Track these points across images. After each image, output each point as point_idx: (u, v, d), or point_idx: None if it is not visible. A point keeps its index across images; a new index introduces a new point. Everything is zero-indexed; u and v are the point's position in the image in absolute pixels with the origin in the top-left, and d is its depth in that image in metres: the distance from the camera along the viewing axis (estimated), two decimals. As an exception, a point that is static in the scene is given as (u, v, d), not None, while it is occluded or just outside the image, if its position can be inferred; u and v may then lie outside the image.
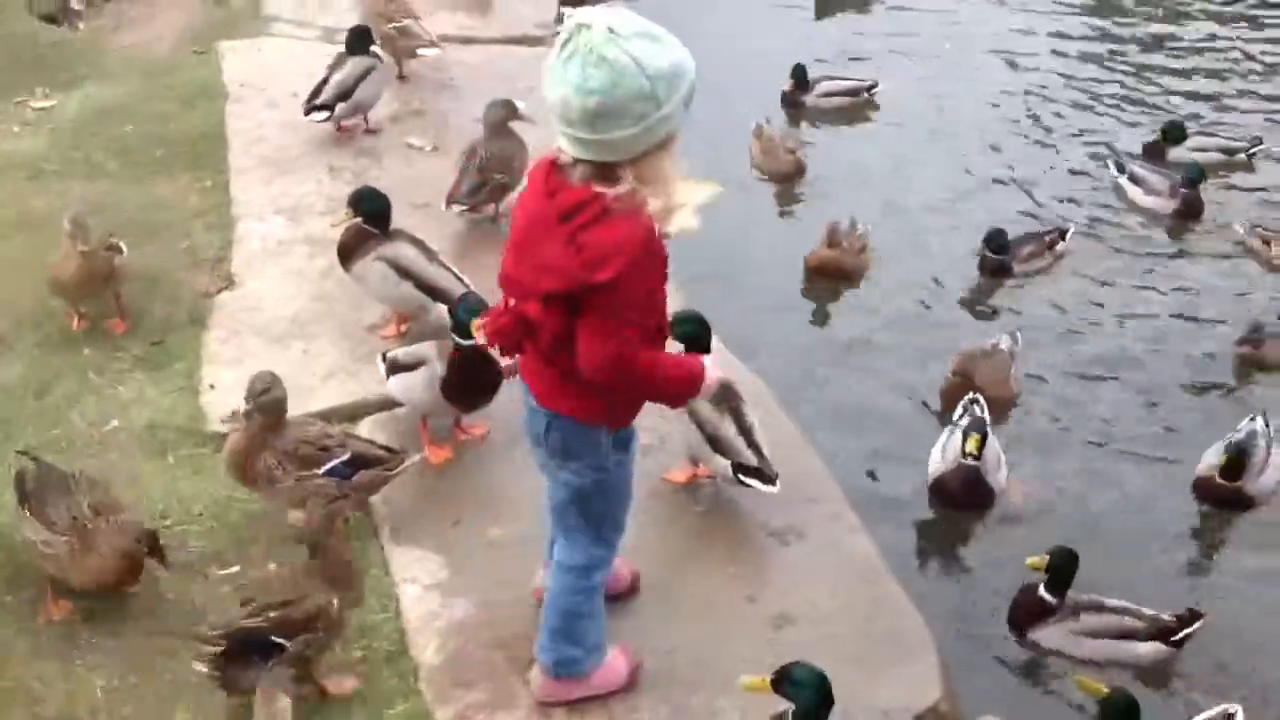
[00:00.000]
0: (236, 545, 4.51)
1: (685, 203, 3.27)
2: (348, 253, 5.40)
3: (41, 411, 5.11)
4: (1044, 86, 9.90)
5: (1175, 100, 9.83)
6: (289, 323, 5.59)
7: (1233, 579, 5.71)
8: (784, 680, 3.65)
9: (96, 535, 4.06)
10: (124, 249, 5.57)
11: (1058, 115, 9.51)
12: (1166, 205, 8.28)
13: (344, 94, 6.90)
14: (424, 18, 7.81)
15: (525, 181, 3.38)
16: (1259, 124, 9.47)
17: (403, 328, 5.48)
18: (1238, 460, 5.95)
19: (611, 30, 2.94)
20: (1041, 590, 5.21)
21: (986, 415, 6.12)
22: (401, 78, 7.62)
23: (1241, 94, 9.98)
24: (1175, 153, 8.82)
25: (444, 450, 4.86)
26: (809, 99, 9.29)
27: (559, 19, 8.09)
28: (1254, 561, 5.80)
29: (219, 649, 3.73)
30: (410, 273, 5.31)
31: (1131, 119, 9.49)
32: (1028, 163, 8.85)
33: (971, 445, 5.78)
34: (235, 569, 4.41)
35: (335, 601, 3.82)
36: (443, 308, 5.16)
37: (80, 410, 5.12)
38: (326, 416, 5.00)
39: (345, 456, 4.37)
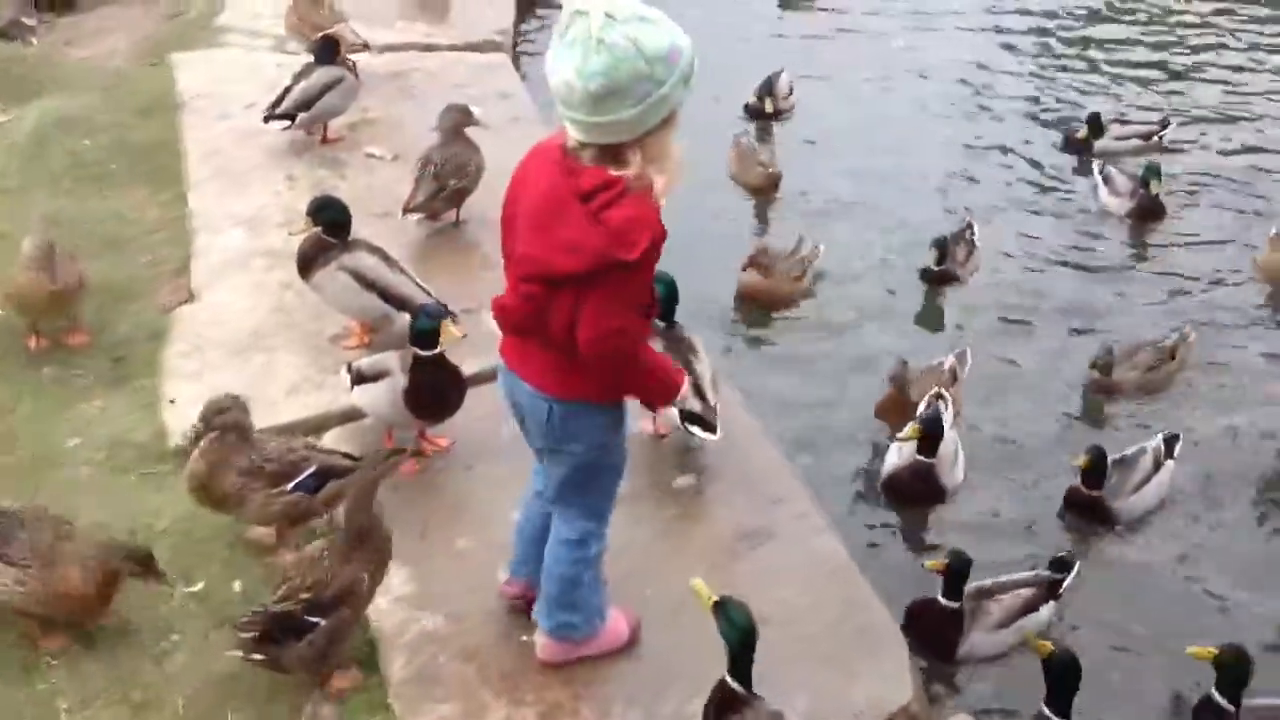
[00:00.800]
0: (202, 562, 4.46)
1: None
2: (307, 263, 5.36)
3: (3, 432, 5.05)
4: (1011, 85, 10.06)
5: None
6: (250, 335, 5.55)
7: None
8: (721, 609, 3.69)
9: (61, 558, 4.00)
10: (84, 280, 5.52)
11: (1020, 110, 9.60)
12: (1124, 205, 8.30)
13: (306, 103, 6.86)
14: (350, 20, 7.84)
15: (518, 171, 3.44)
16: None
17: (367, 338, 5.45)
18: (1097, 466, 5.81)
19: (609, 15, 3.07)
20: (940, 599, 5.14)
21: (949, 413, 6.14)
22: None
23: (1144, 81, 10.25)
24: (1101, 144, 8.92)
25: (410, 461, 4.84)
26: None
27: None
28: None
29: (255, 634, 3.82)
30: (373, 282, 5.28)
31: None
32: (1000, 168, 8.87)
33: (908, 432, 5.84)
34: (201, 585, 4.36)
35: (366, 578, 3.85)
36: (407, 317, 5.12)
37: (41, 428, 5.06)
38: (291, 430, 4.98)
39: (312, 470, 4.34)
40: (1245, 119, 9.70)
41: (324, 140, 7.08)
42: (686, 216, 7.11)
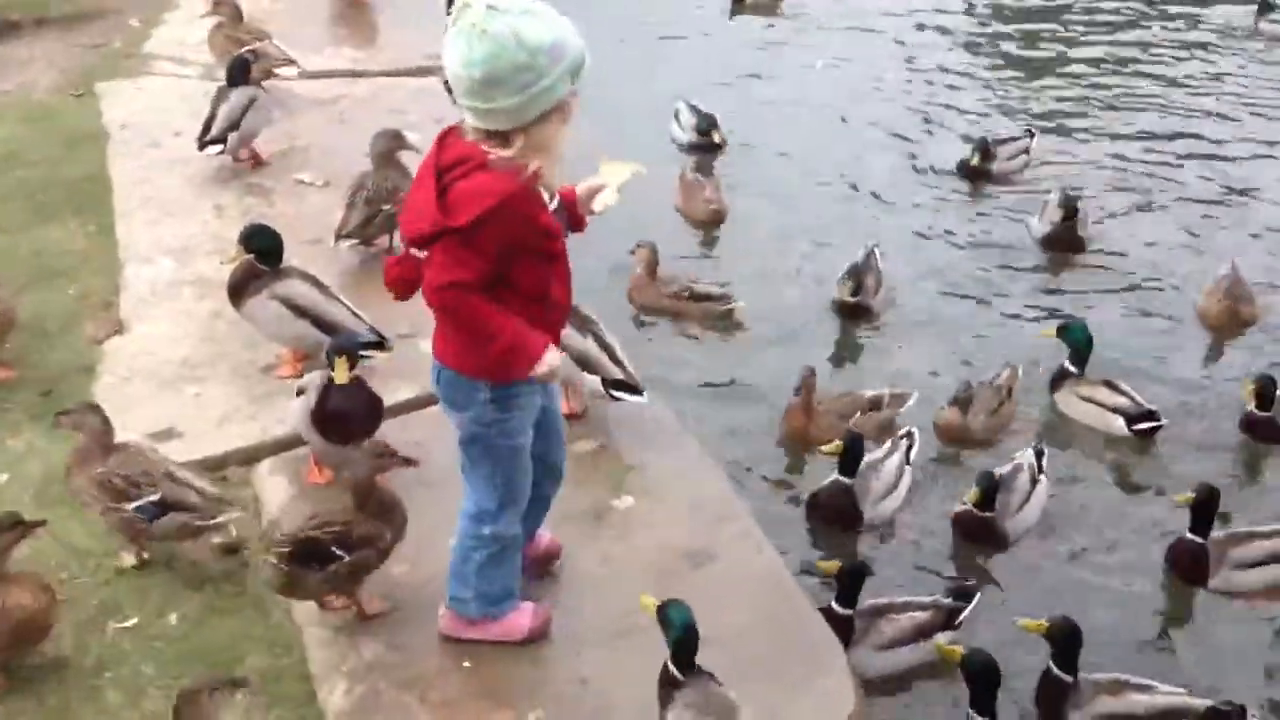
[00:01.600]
0: (135, 596, 4.39)
1: (608, 183, 3.71)
2: (238, 291, 5.30)
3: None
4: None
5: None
6: (180, 366, 5.48)
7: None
8: (662, 611, 3.94)
9: None
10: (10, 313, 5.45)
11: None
12: (1040, 230, 8.16)
13: (233, 125, 6.86)
14: (274, 37, 7.84)
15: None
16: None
17: (300, 366, 5.39)
18: (988, 490, 5.78)
19: (491, 7, 3.26)
20: (834, 605, 5.09)
21: (914, 450, 6.17)
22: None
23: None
24: (998, 165, 8.86)
25: (325, 474, 4.86)
26: None
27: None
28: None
29: (286, 551, 4.02)
30: (305, 310, 5.22)
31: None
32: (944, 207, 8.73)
33: (830, 448, 5.87)
34: (134, 621, 4.29)
35: (389, 535, 4.11)
36: (356, 333, 5.15)
37: (-32, 466, 4.97)
38: (223, 461, 4.94)
39: (154, 497, 4.34)
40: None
41: (255, 163, 7.04)
42: (628, 242, 7.29)
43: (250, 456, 4.97)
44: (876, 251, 7.68)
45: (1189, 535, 5.62)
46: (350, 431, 4.68)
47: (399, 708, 3.93)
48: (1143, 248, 8.24)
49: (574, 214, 3.75)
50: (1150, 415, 6.51)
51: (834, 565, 5.22)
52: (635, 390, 4.96)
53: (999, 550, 5.83)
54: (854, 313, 7.41)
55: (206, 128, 6.86)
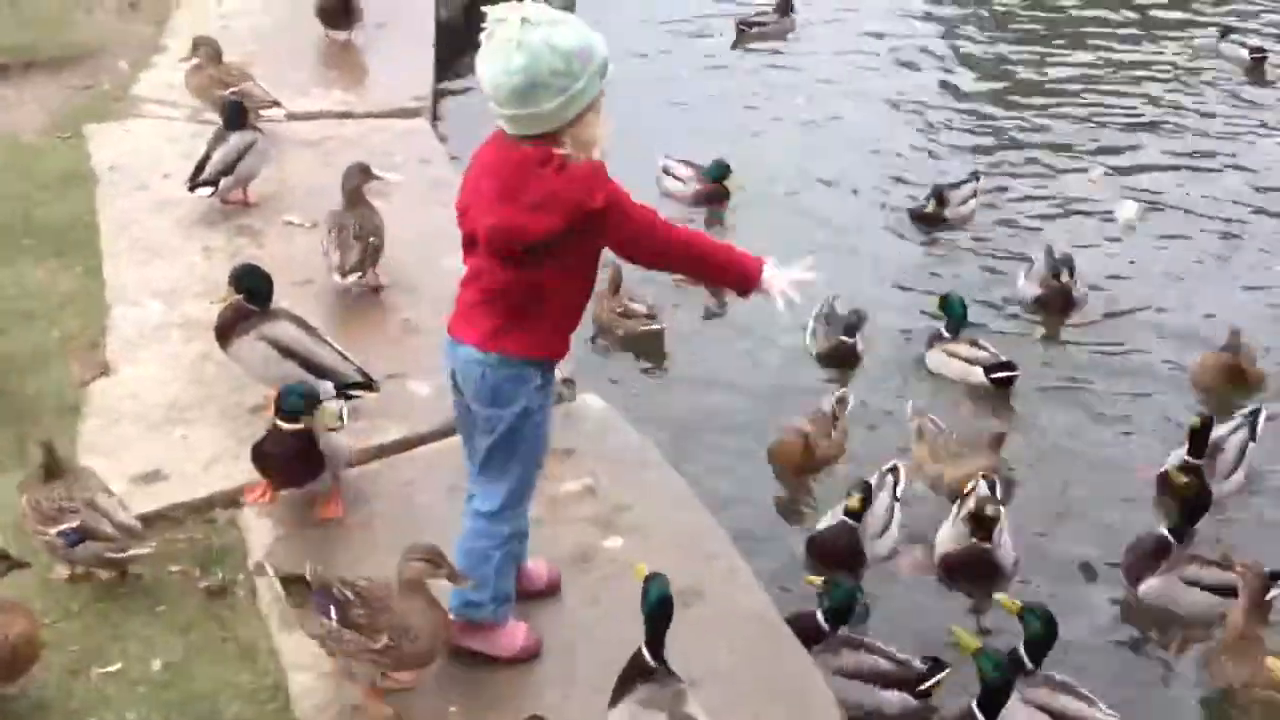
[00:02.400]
0: (118, 641, 4.36)
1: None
2: (226, 332, 5.28)
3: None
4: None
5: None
6: (167, 409, 5.45)
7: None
8: (647, 582, 3.93)
9: None
10: None
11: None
12: (1031, 291, 8.03)
13: (227, 169, 6.87)
14: (257, 78, 7.85)
15: (471, 168, 3.82)
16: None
17: None
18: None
19: (525, 20, 3.51)
20: (819, 615, 5.27)
21: (900, 484, 6.27)
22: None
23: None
24: (951, 210, 8.86)
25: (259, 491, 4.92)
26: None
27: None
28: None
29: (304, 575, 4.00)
30: (292, 351, 5.21)
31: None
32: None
33: (853, 503, 5.93)
34: (118, 666, 4.26)
35: (386, 639, 3.87)
36: (328, 385, 5.13)
37: (-50, 510, 4.93)
38: (210, 503, 4.92)
39: (74, 524, 4.42)
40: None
41: (245, 204, 7.05)
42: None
43: (237, 498, 4.95)
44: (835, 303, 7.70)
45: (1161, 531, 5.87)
46: (286, 478, 4.80)
47: (385, 753, 3.91)
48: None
49: None
50: (1006, 365, 7.19)
51: (820, 580, 5.35)
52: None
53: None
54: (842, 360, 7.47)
55: (199, 169, 6.86)
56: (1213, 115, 10.70)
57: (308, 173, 7.44)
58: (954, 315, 7.46)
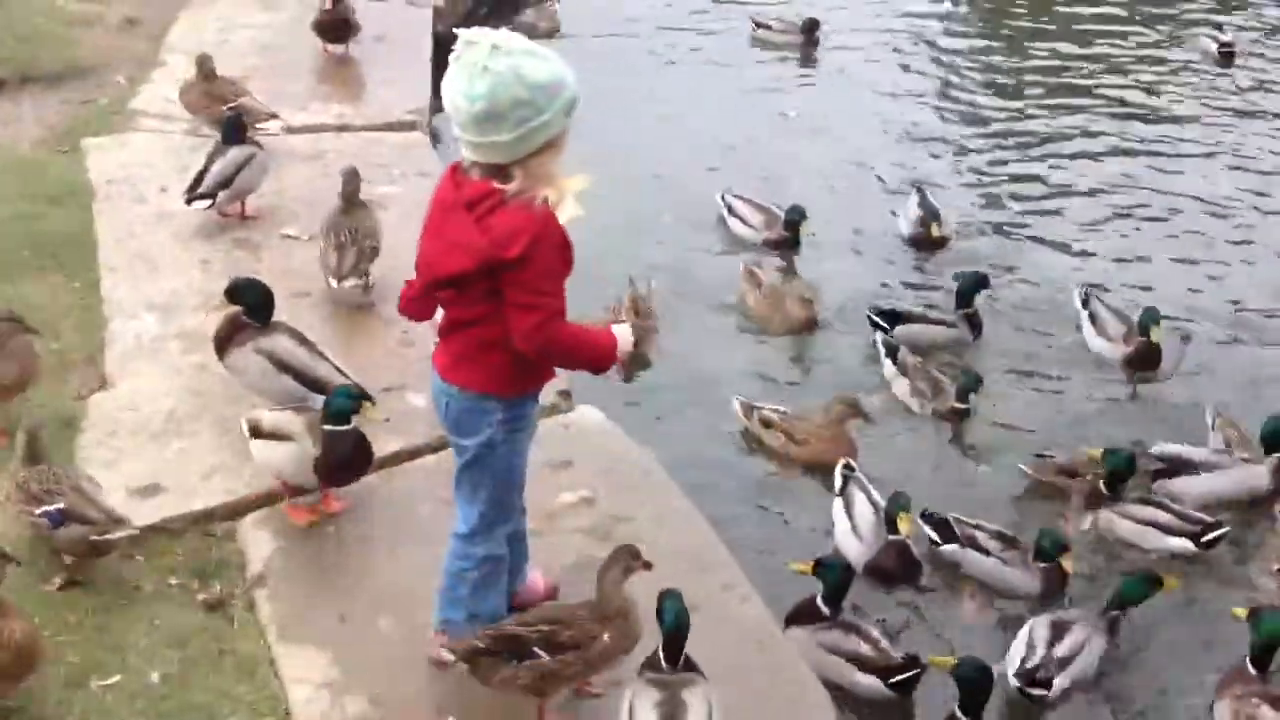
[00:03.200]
0: (117, 653, 4.36)
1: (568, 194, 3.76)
2: (223, 344, 5.29)
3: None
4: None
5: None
6: (165, 421, 5.46)
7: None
8: (662, 599, 4.06)
9: None
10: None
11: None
12: (1118, 350, 7.61)
13: (225, 182, 6.89)
14: (254, 92, 7.90)
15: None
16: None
17: None
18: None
19: (495, 46, 3.47)
20: (819, 600, 5.42)
21: (869, 484, 6.35)
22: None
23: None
24: (944, 232, 8.81)
25: (306, 513, 4.87)
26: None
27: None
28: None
29: (479, 646, 3.94)
30: (288, 365, 5.21)
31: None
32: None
33: (904, 526, 6.00)
34: (117, 678, 4.26)
35: (606, 638, 3.94)
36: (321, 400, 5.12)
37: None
38: (209, 515, 4.92)
39: (59, 505, 4.48)
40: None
41: (242, 216, 7.07)
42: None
43: (236, 511, 4.95)
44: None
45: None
46: (354, 475, 4.82)
47: (384, 764, 3.91)
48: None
49: None
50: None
51: (807, 565, 5.48)
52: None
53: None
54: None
55: (197, 182, 6.88)
56: (1181, 104, 11.28)
57: (306, 186, 7.46)
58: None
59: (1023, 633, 5.54)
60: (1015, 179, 10.08)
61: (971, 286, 7.96)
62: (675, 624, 4.00)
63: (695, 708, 3.88)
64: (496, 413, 3.83)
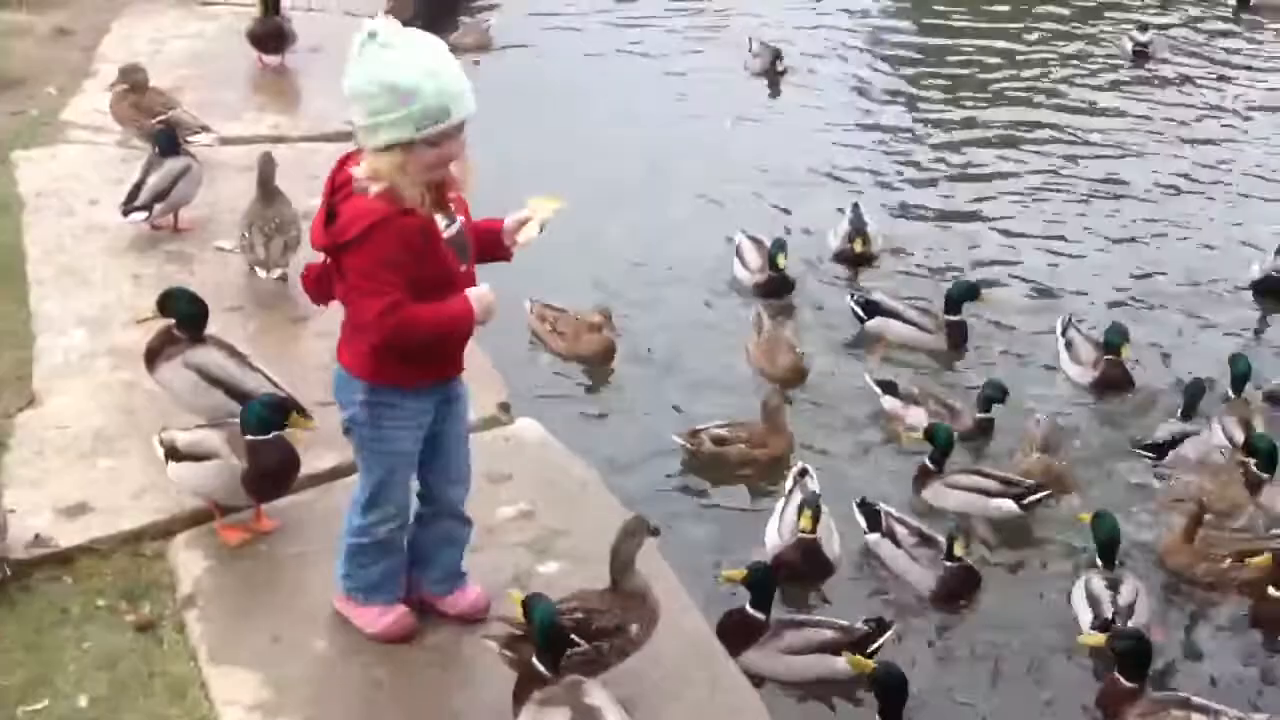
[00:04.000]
0: (45, 677, 4.26)
1: (533, 217, 3.93)
2: (153, 356, 5.22)
3: None
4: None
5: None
6: (94, 439, 5.36)
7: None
8: (527, 605, 3.95)
9: None
10: None
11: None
12: (1088, 375, 7.70)
13: (161, 194, 6.83)
14: (184, 104, 7.85)
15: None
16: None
17: None
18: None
19: (371, 35, 3.57)
20: (748, 608, 5.43)
21: (817, 488, 6.31)
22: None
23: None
24: (875, 246, 8.79)
25: (238, 531, 4.81)
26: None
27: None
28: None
29: (518, 634, 3.97)
30: (219, 380, 5.14)
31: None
32: None
33: (804, 522, 6.02)
34: (45, 703, 4.17)
35: (635, 626, 4.02)
36: None
37: None
38: (138, 535, 4.84)
39: None
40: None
41: (175, 229, 7.00)
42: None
43: (166, 530, 4.87)
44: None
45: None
46: (284, 487, 4.79)
47: (316, 788, 3.85)
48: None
49: (499, 245, 4.01)
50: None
51: (740, 573, 5.49)
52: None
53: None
54: None
55: (133, 194, 6.81)
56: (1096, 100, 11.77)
57: (240, 198, 7.31)
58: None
59: (1079, 593, 5.91)
60: (950, 178, 10.31)
61: (961, 294, 7.97)
62: (543, 630, 3.86)
63: (609, 710, 3.78)
64: (359, 393, 3.95)
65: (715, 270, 8.70)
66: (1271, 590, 5.88)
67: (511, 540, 4.83)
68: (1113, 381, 7.61)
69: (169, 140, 7.01)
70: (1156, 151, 10.83)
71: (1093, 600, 5.83)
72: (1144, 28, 12.76)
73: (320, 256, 3.94)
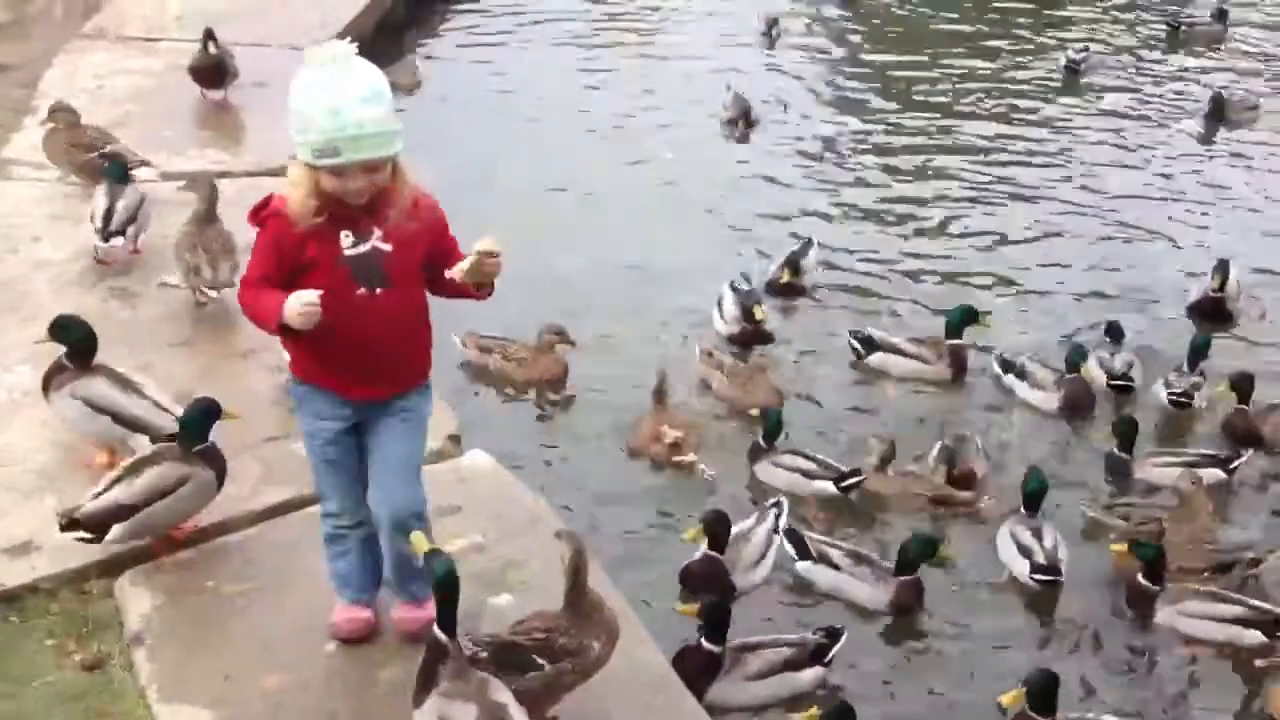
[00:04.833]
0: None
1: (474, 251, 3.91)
2: (45, 386, 5.31)
3: None
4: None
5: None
6: (38, 476, 5.31)
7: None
8: (428, 559, 3.81)
9: None
10: None
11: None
12: (1051, 400, 7.70)
13: (132, 218, 6.93)
14: (132, 139, 7.90)
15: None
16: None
17: (111, 459, 5.27)
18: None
19: (310, 56, 3.74)
20: (704, 642, 5.47)
21: (783, 515, 6.49)
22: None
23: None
24: (807, 278, 8.79)
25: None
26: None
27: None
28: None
29: (485, 655, 3.93)
30: (103, 408, 5.22)
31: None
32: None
33: (689, 534, 6.16)
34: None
35: (596, 645, 4.01)
36: (143, 439, 5.17)
37: None
38: (84, 574, 4.78)
39: None
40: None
41: (134, 252, 7.04)
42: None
43: (112, 568, 4.81)
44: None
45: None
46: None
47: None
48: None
49: (452, 281, 4.02)
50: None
51: (694, 608, 5.53)
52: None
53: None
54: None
55: (106, 220, 6.85)
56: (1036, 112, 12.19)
57: (184, 232, 7.31)
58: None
59: (1005, 540, 6.40)
60: (890, 200, 10.42)
61: (960, 319, 7.96)
62: (442, 585, 3.74)
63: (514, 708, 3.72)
64: (296, 393, 4.18)
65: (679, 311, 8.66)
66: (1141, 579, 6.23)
67: (463, 572, 4.76)
68: (1078, 401, 7.64)
69: (120, 170, 7.07)
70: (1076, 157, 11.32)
71: (1023, 549, 6.29)
72: (1087, 47, 13.20)
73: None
